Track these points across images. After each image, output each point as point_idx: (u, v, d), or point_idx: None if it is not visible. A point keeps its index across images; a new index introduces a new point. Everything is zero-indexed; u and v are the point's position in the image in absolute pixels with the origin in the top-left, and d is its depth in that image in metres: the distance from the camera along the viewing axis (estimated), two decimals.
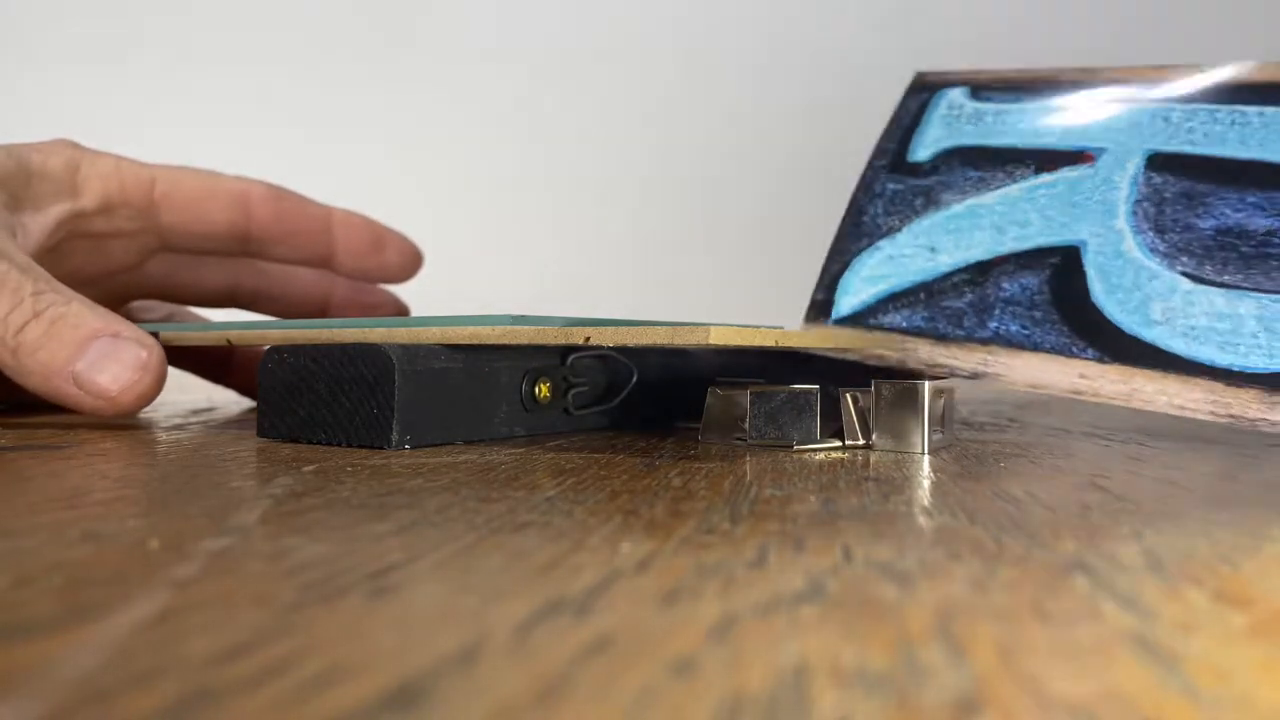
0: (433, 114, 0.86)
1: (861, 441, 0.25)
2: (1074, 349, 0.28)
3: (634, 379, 0.29)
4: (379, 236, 0.37)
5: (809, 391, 0.25)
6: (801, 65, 0.84)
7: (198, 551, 0.12)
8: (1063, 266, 0.29)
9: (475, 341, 0.25)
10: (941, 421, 0.25)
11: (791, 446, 0.25)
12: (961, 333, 0.29)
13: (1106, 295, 0.28)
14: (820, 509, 0.16)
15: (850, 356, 0.30)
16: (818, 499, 0.17)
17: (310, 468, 0.20)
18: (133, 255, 0.34)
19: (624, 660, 0.09)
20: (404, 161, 0.83)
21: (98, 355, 0.25)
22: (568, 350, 0.28)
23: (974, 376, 0.29)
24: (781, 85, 0.84)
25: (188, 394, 0.43)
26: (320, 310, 0.39)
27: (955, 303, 0.30)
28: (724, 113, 0.84)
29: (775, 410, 0.25)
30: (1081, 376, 0.27)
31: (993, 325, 0.29)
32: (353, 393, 0.24)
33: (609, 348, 0.27)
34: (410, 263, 0.38)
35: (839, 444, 0.25)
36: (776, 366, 0.33)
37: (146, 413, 0.34)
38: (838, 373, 0.31)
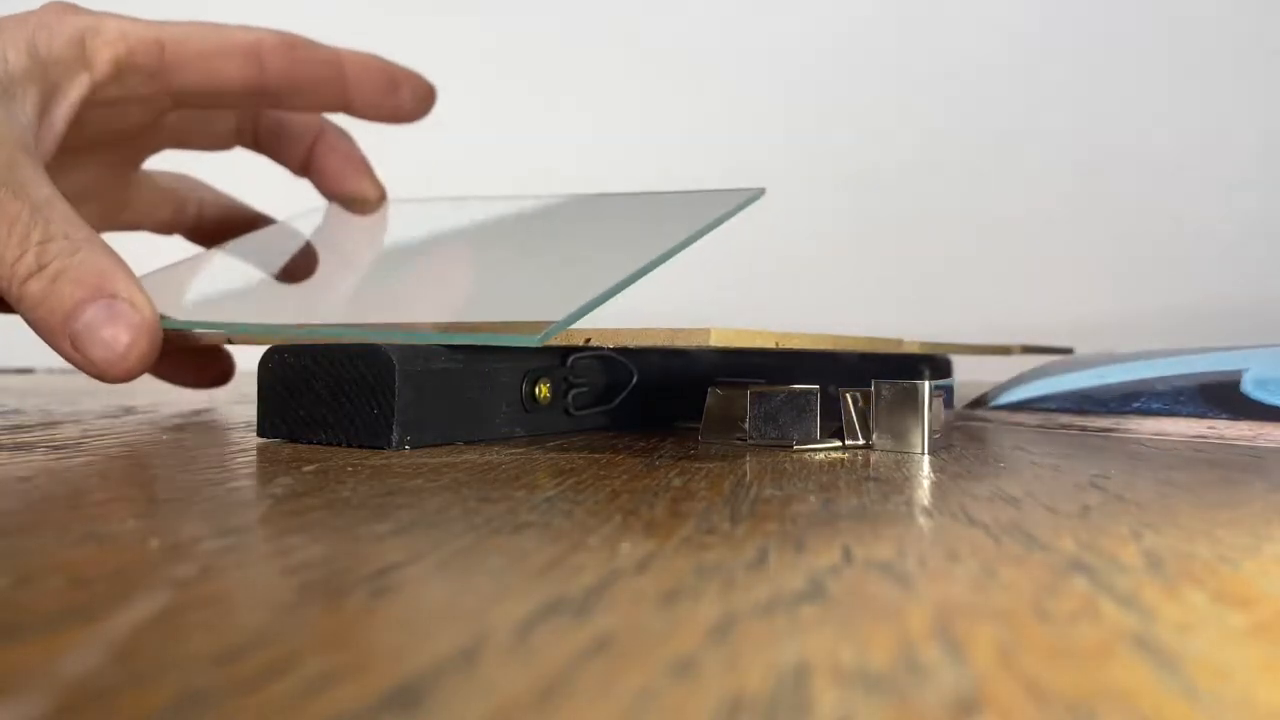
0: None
1: (861, 441, 0.25)
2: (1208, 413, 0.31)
3: (634, 379, 0.29)
4: (393, 76, 0.36)
5: (809, 391, 0.25)
6: (784, 63, 0.84)
7: (198, 551, 0.13)
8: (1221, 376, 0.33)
9: (475, 341, 0.25)
10: (941, 422, 0.25)
11: (791, 446, 0.25)
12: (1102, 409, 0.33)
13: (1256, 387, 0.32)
14: (820, 509, 0.16)
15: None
16: (818, 499, 0.17)
17: (310, 468, 0.20)
18: (147, 116, 0.33)
19: (624, 660, 0.09)
20: (404, 159, 0.82)
21: (93, 319, 0.26)
22: (568, 351, 0.28)
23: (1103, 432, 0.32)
24: (794, 95, 0.84)
25: (188, 394, 0.43)
26: (305, 151, 0.38)
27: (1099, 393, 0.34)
28: (718, 112, 0.84)
29: (775, 410, 0.25)
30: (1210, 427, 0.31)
31: (1135, 405, 0.32)
32: (353, 393, 0.24)
33: (609, 348, 0.27)
34: (425, 101, 0.37)
35: (839, 444, 0.25)
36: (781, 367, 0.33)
37: (147, 412, 0.34)
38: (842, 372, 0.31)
